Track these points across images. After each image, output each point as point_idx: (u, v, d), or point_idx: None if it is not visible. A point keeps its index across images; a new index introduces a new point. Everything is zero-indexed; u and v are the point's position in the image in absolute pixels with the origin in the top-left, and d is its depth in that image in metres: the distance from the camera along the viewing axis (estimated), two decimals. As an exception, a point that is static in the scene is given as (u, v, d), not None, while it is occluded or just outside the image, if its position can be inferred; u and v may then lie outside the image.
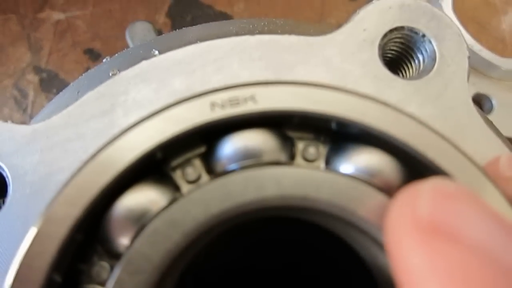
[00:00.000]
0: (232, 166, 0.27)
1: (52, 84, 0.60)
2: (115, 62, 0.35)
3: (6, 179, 0.27)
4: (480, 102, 0.64)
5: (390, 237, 0.22)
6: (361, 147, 0.27)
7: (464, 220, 0.21)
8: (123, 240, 0.26)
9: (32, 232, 0.25)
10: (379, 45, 0.29)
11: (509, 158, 0.26)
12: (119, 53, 0.35)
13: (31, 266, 0.24)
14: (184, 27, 0.37)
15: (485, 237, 0.20)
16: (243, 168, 0.26)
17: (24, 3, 0.60)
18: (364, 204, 0.25)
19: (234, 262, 0.35)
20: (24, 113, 0.61)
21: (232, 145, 0.27)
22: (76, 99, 0.28)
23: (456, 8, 0.63)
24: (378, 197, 0.25)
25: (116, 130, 0.26)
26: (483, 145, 0.28)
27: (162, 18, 0.68)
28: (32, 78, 0.59)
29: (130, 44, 0.48)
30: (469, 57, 0.30)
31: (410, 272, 0.21)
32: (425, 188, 0.22)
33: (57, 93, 0.37)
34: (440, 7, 0.60)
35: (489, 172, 0.26)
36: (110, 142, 0.25)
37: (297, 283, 0.39)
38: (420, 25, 0.30)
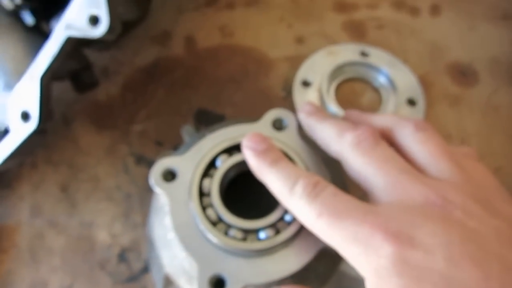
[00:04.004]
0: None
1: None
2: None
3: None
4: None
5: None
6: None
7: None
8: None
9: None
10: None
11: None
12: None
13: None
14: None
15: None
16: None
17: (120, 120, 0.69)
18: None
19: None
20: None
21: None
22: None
23: (336, 96, 0.77)
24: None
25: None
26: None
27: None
28: (129, 159, 0.72)
29: (185, 138, 0.60)
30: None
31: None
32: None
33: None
34: (323, 98, 0.71)
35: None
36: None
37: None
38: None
